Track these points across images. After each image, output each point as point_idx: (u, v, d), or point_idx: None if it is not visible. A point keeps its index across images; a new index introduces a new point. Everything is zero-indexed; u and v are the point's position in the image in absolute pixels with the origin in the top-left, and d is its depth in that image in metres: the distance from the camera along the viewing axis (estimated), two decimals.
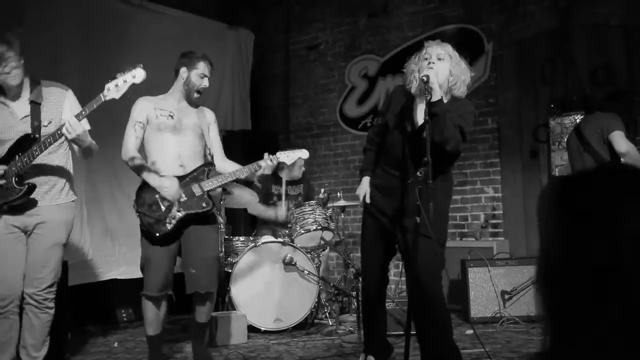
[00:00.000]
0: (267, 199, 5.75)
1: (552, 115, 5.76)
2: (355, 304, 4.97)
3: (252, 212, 5.75)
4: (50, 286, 3.45)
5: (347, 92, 7.25)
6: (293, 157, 3.96)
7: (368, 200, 3.51)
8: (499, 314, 5.06)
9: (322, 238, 5.34)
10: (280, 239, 5.23)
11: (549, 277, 0.94)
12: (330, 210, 5.48)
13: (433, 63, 3.22)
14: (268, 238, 5.27)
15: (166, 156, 3.72)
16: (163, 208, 3.63)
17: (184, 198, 3.66)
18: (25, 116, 3.42)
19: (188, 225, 3.70)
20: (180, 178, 3.71)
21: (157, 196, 3.63)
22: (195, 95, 3.84)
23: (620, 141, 4.38)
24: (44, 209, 3.43)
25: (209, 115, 3.99)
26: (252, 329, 4.92)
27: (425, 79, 3.05)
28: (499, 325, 4.89)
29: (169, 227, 3.61)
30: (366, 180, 3.56)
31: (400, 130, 3.34)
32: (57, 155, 3.51)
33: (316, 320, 5.35)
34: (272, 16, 7.88)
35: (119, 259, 5.81)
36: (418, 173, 2.92)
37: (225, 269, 5.05)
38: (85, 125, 3.43)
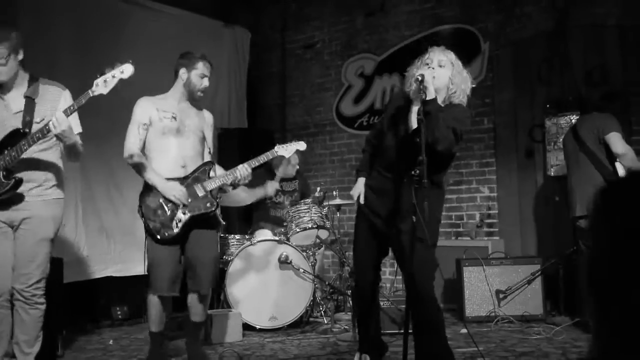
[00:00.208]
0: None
1: (547, 115, 5.77)
2: (350, 302, 4.98)
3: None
4: (38, 282, 3.43)
5: (343, 90, 7.25)
6: (291, 149, 4.10)
7: (362, 201, 3.51)
8: (494, 313, 5.07)
9: (317, 236, 5.35)
10: (275, 237, 5.23)
11: (600, 285, 1.00)
12: (326, 208, 5.49)
13: (433, 69, 3.22)
14: (264, 236, 5.27)
15: (169, 159, 3.73)
16: (168, 212, 3.63)
17: (188, 199, 3.67)
18: (19, 111, 3.41)
19: (193, 227, 3.72)
20: (182, 179, 3.72)
21: (161, 200, 3.64)
22: (199, 94, 3.85)
23: (617, 142, 4.40)
24: (31, 204, 3.41)
25: (208, 118, 4.01)
26: (247, 327, 4.93)
27: (420, 77, 3.06)
28: (493, 325, 4.91)
29: (176, 230, 3.63)
30: (361, 181, 3.57)
31: (395, 133, 3.35)
32: (49, 153, 3.49)
33: (311, 319, 5.37)
34: (269, 14, 7.87)
35: (115, 257, 5.80)
36: (413, 172, 2.92)
37: (221, 267, 5.05)
38: (76, 127, 3.43)
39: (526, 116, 5.98)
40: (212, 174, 3.84)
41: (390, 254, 3.55)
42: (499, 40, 6.14)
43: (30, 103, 3.42)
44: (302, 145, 4.17)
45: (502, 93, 6.12)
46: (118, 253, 5.82)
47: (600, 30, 5.56)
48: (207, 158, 3.93)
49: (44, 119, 3.41)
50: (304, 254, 5.21)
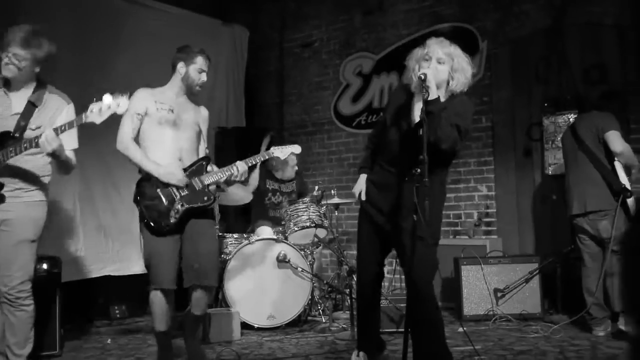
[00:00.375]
0: (261, 194, 5.77)
1: (545, 114, 5.78)
2: (349, 301, 4.98)
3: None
4: (22, 283, 3.39)
5: (341, 89, 7.25)
6: (286, 152, 4.14)
7: (364, 198, 3.51)
8: (492, 312, 5.08)
9: (315, 235, 5.35)
10: (274, 236, 5.23)
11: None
12: (324, 207, 5.49)
13: (436, 64, 3.21)
14: (263, 234, 5.27)
15: (165, 150, 3.71)
16: (165, 202, 3.63)
17: (185, 192, 3.67)
18: (17, 113, 3.39)
19: (191, 218, 3.71)
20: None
21: (158, 190, 3.63)
22: (197, 89, 3.85)
23: (616, 141, 4.41)
24: (11, 205, 3.38)
25: (204, 113, 4.01)
26: (245, 326, 4.93)
27: (422, 77, 3.05)
28: (491, 323, 4.92)
29: (173, 220, 3.61)
30: (363, 177, 3.57)
31: (398, 128, 3.33)
32: (38, 159, 3.45)
33: (309, 318, 5.36)
34: (267, 13, 7.87)
35: (112, 256, 5.80)
36: (414, 171, 2.92)
37: (219, 266, 5.05)
38: (72, 143, 3.42)
39: (524, 115, 5.99)
40: (209, 169, 3.84)
41: (393, 252, 3.54)
42: (497, 38, 6.15)
43: (30, 108, 3.40)
44: (297, 149, 4.22)
45: (500, 91, 6.12)
46: (116, 252, 5.82)
47: (598, 29, 5.57)
48: (203, 154, 3.93)
49: (39, 127, 3.39)
50: (302, 252, 5.21)
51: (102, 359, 4.24)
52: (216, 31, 7.26)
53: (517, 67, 6.04)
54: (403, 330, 3.14)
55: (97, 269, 5.67)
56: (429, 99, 3.03)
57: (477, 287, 5.17)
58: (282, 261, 5.09)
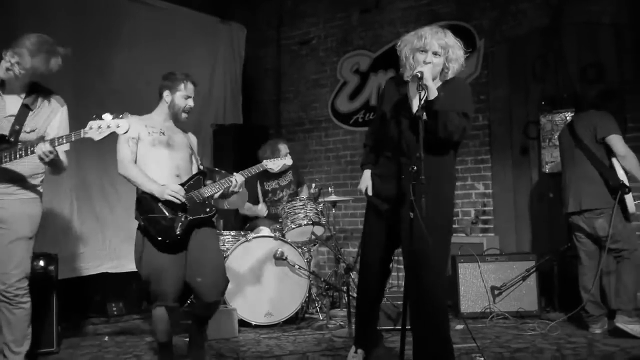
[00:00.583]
0: (256, 199, 5.76)
1: (542, 112, 5.79)
2: (346, 298, 4.98)
3: (242, 212, 5.77)
4: (19, 281, 3.38)
5: (339, 87, 7.25)
6: (279, 164, 4.20)
7: (370, 193, 3.48)
8: (489, 310, 5.09)
9: (313, 233, 5.36)
10: (271, 234, 5.23)
11: None
12: (322, 205, 5.49)
13: (429, 63, 3.19)
14: (260, 232, 5.27)
15: (163, 168, 3.70)
16: (169, 215, 3.61)
17: (187, 205, 3.66)
18: (11, 115, 3.37)
19: (192, 231, 3.68)
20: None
21: (160, 204, 3.61)
22: (183, 115, 3.84)
23: (618, 144, 4.43)
24: (6, 202, 3.38)
25: (192, 140, 4.01)
26: (242, 323, 4.93)
27: (419, 75, 3.05)
28: (488, 321, 4.93)
29: (178, 231, 3.59)
30: (367, 173, 3.54)
31: (398, 118, 3.30)
32: (31, 158, 3.38)
33: (307, 315, 5.37)
34: (264, 11, 7.86)
35: (110, 253, 5.80)
36: (410, 169, 2.93)
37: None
38: (64, 145, 3.37)
39: (521, 113, 6.00)
40: (206, 182, 3.85)
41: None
42: (494, 37, 6.16)
43: (24, 111, 3.38)
44: (289, 160, 4.29)
45: (497, 90, 6.13)
46: (113, 249, 5.82)
47: (595, 28, 5.58)
48: (200, 168, 3.94)
49: (34, 131, 3.39)
50: (300, 250, 5.21)
51: (99, 356, 4.24)
52: (214, 29, 7.26)
53: (514, 65, 6.05)
54: (400, 327, 3.13)
55: (94, 266, 5.67)
56: (430, 98, 3.04)
57: (474, 285, 5.18)
58: (279, 259, 5.09)
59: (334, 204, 5.59)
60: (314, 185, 5.81)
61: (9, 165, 3.33)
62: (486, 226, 6.17)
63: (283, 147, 5.74)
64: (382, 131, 3.44)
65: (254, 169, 4.06)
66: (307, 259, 5.26)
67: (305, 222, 5.21)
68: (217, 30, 7.30)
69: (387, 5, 6.89)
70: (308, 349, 4.28)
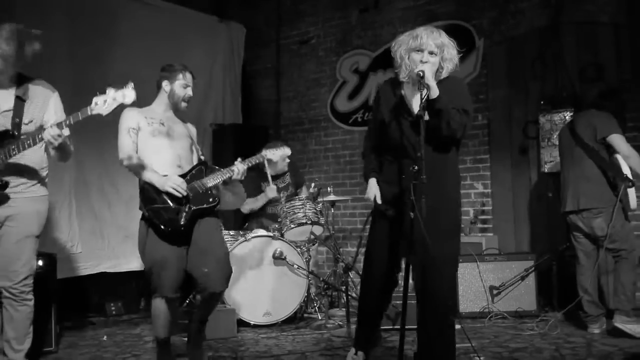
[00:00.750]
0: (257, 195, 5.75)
1: (542, 111, 5.79)
2: (345, 298, 4.99)
3: (245, 211, 5.75)
4: (26, 278, 3.41)
5: (338, 86, 7.25)
6: (278, 154, 4.20)
7: (379, 201, 3.38)
8: (487, 309, 5.09)
9: (312, 232, 5.36)
10: (270, 233, 5.23)
11: None
12: (320, 204, 5.49)
13: (426, 62, 3.18)
14: (259, 232, 5.27)
15: (164, 158, 3.71)
16: (172, 205, 3.62)
17: (190, 195, 3.66)
18: (7, 110, 3.37)
19: (195, 221, 3.68)
20: (180, 177, 3.71)
21: (163, 195, 3.62)
22: (183, 104, 3.84)
23: (621, 144, 4.42)
24: (16, 200, 3.39)
25: (192, 130, 4.00)
26: (241, 323, 4.93)
27: (421, 74, 3.03)
28: (487, 320, 4.93)
29: (182, 222, 3.59)
30: (373, 181, 3.44)
31: (398, 120, 3.28)
32: (34, 151, 3.43)
33: (305, 315, 5.37)
34: (264, 10, 7.86)
35: (109, 253, 5.80)
36: (411, 168, 2.92)
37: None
38: (65, 130, 3.41)
39: (520, 112, 5.99)
40: (207, 173, 3.85)
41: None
42: (493, 36, 6.16)
43: (19, 104, 3.38)
44: (287, 151, 4.32)
45: (497, 89, 6.13)
46: (112, 249, 5.83)
47: (594, 27, 5.58)
48: (201, 159, 3.94)
49: (32, 121, 3.39)
50: (299, 250, 5.21)
51: (98, 356, 4.24)
52: (213, 28, 7.26)
53: (513, 65, 6.05)
54: (399, 327, 3.13)
55: (93, 266, 5.68)
56: (432, 96, 3.03)
57: (473, 285, 5.18)
58: (278, 258, 5.09)
59: (332, 203, 5.59)
60: (313, 185, 5.81)
61: (17, 159, 3.34)
62: (485, 226, 6.17)
63: (283, 150, 5.72)
64: (383, 136, 3.39)
65: (255, 159, 4.04)
66: (306, 258, 5.26)
67: (304, 222, 5.21)
68: (216, 30, 7.30)
69: (386, 5, 6.89)
70: (307, 348, 4.28)
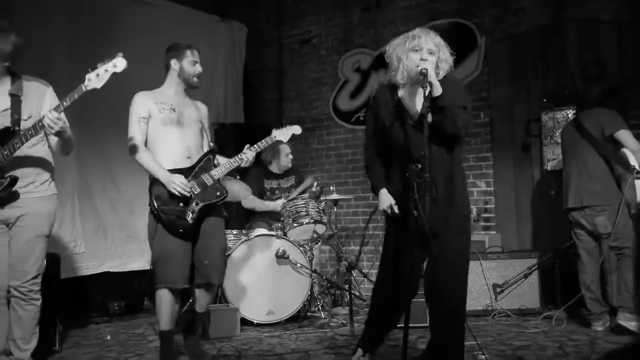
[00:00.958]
0: (261, 194, 5.75)
1: (544, 109, 5.79)
2: (348, 296, 4.99)
3: (246, 205, 5.75)
4: (35, 277, 3.44)
5: (340, 85, 7.25)
6: (288, 133, 4.25)
7: (397, 211, 3.27)
8: (491, 307, 5.09)
9: (314, 231, 5.36)
10: (273, 232, 5.23)
11: None
12: (323, 203, 5.49)
13: (425, 60, 3.17)
14: (262, 231, 5.28)
15: (173, 149, 3.73)
16: (181, 203, 3.64)
17: (197, 190, 3.68)
18: (5, 109, 3.38)
19: (204, 216, 3.73)
20: (189, 170, 3.73)
21: (171, 191, 3.64)
22: (195, 80, 3.87)
23: (629, 140, 4.41)
24: (26, 200, 3.40)
25: (202, 109, 4.03)
26: (244, 322, 4.93)
27: (424, 71, 3.02)
28: (490, 318, 4.93)
29: (190, 220, 3.63)
30: (384, 192, 3.34)
31: (401, 122, 3.25)
32: (39, 149, 3.48)
33: (309, 313, 5.38)
34: (265, 9, 7.86)
35: (112, 252, 5.81)
36: (414, 167, 2.92)
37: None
38: (62, 114, 3.40)
39: (522, 110, 5.99)
40: (216, 162, 3.86)
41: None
42: (495, 34, 6.15)
43: (16, 101, 3.39)
44: (297, 129, 4.33)
45: (499, 87, 6.13)
46: (115, 248, 5.83)
47: (596, 25, 5.57)
48: (207, 148, 3.95)
49: (31, 116, 3.40)
50: (301, 248, 5.21)
51: (101, 355, 4.25)
52: (214, 28, 7.26)
53: (515, 63, 6.05)
54: (403, 325, 3.12)
55: (96, 266, 5.68)
56: (436, 94, 3.02)
57: (476, 283, 5.18)
58: (281, 257, 5.09)
59: (335, 202, 5.59)
60: (315, 183, 5.81)
61: (23, 158, 3.36)
62: (488, 224, 6.16)
63: (284, 147, 5.75)
64: (386, 141, 3.34)
65: (264, 142, 4.04)
66: (309, 257, 5.26)
67: (307, 221, 5.22)
68: (217, 29, 7.30)
69: (388, 4, 6.89)
70: (310, 347, 4.28)
